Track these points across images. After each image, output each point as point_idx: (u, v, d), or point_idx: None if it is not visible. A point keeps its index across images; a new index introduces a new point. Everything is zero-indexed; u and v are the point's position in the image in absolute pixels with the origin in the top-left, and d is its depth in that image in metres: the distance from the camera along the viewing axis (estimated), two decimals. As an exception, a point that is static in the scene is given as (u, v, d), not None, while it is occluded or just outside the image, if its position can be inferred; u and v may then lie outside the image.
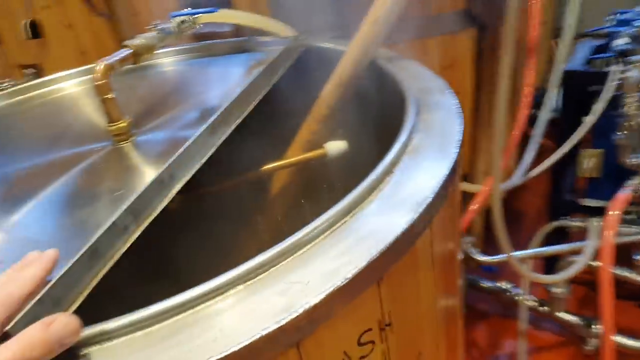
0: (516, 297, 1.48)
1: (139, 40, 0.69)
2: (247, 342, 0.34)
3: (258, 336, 0.35)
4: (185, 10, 0.76)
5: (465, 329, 1.60)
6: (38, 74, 1.74)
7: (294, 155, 0.78)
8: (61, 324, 0.35)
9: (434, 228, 0.49)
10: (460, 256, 0.68)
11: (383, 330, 0.44)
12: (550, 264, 1.54)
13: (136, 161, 0.63)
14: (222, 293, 0.38)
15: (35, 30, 1.66)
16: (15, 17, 1.67)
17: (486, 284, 1.58)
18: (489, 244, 1.52)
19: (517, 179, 1.42)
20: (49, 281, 0.39)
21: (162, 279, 0.63)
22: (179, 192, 0.61)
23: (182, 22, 0.76)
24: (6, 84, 1.68)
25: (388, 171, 0.50)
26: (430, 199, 0.45)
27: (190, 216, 0.72)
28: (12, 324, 0.35)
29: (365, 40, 0.71)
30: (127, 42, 0.69)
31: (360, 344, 0.43)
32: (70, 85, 0.90)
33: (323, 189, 0.84)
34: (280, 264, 0.41)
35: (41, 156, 0.66)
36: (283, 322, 0.35)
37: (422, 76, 0.70)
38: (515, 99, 1.41)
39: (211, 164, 0.60)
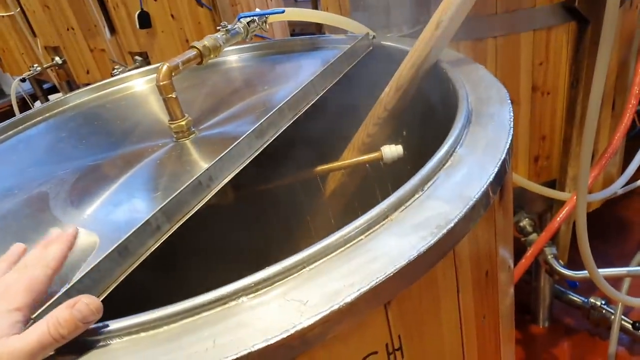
0: (608, 316, 1.36)
1: (205, 42, 0.72)
2: (234, 357, 0.35)
3: (247, 352, 0.36)
4: (254, 11, 0.78)
5: (547, 343, 1.50)
6: (146, 61, 1.89)
7: (350, 157, 0.77)
8: (84, 304, 0.39)
9: (460, 251, 0.46)
10: (509, 272, 0.63)
11: (392, 354, 0.43)
12: (654, 284, 1.39)
13: (194, 158, 0.66)
14: (224, 304, 0.40)
15: (145, 21, 1.79)
16: (129, 9, 1.82)
17: (575, 297, 1.46)
18: (578, 255, 1.40)
19: (618, 186, 1.29)
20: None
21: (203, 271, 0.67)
22: (233, 188, 0.64)
23: (250, 22, 0.78)
24: (117, 69, 1.85)
25: (418, 188, 0.48)
26: (453, 223, 0.43)
27: (242, 212, 0.75)
28: (40, 310, 0.40)
29: (427, 44, 0.68)
30: (194, 44, 0.72)
31: (363, 366, 0.42)
32: (144, 82, 0.97)
33: (375, 191, 0.82)
34: (287, 279, 0.41)
35: (113, 149, 0.72)
36: (272, 341, 0.36)
37: (486, 84, 0.65)
38: (619, 99, 1.27)
39: (266, 162, 0.61)
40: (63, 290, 0.41)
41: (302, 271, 0.42)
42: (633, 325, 1.32)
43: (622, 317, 1.32)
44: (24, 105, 2.40)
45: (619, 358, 1.34)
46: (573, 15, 1.07)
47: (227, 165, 0.57)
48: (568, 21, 1.08)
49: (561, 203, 1.21)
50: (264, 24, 0.80)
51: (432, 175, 0.49)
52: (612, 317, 1.33)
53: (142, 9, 1.77)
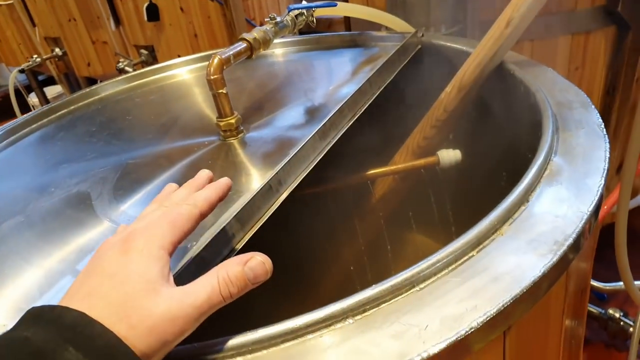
0: (627, 328, 1.34)
1: (256, 34, 0.67)
2: (357, 391, 0.31)
3: (369, 385, 0.31)
4: (303, 3, 0.73)
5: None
6: (152, 55, 1.83)
7: (404, 161, 0.73)
8: (259, 262, 0.35)
9: (572, 270, 0.42)
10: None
11: (503, 384, 0.39)
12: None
13: (243, 159, 0.61)
14: (328, 325, 0.35)
15: (154, 13, 1.74)
16: (137, 1, 1.76)
17: (593, 308, 1.44)
18: (599, 265, 1.38)
19: (644, 197, 1.27)
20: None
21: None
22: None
23: (298, 15, 0.73)
24: (122, 62, 1.78)
25: (523, 199, 0.43)
26: (572, 240, 0.39)
27: (290, 216, 0.70)
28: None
29: (495, 42, 0.64)
30: (244, 35, 0.67)
31: (476, 397, 0.38)
32: (183, 72, 0.91)
33: (429, 198, 0.78)
34: (395, 300, 0.36)
35: (152, 146, 0.67)
36: (397, 372, 0.31)
37: (560, 87, 0.62)
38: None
39: (316, 166, 0.57)
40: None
41: (411, 290, 0.37)
42: (654, 338, 1.30)
43: (643, 329, 1.30)
44: (17, 97, 2.32)
45: (638, 370, 1.31)
46: (614, 20, 1.05)
47: (295, 169, 0.53)
48: (608, 25, 1.05)
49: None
50: (312, 17, 0.75)
51: (534, 185, 0.45)
52: (631, 329, 1.31)
53: (150, 1, 1.71)
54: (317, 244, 0.74)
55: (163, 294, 0.32)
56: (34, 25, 2.15)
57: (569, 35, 1.06)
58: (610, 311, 1.37)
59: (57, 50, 2.12)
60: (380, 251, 0.80)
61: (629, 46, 1.05)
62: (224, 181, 0.43)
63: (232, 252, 0.44)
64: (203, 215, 0.38)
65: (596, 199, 0.43)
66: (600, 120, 0.54)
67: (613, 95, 1.11)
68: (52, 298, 0.44)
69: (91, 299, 0.31)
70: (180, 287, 0.33)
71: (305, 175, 0.54)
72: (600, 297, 1.34)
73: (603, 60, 1.09)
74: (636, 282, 1.19)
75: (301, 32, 0.88)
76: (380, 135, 0.76)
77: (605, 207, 1.17)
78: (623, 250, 0.95)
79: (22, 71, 2.12)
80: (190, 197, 0.40)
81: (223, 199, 0.41)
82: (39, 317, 0.30)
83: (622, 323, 1.36)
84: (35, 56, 2.09)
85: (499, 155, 0.68)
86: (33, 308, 0.30)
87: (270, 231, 0.70)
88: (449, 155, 0.70)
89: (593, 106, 0.56)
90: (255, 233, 0.47)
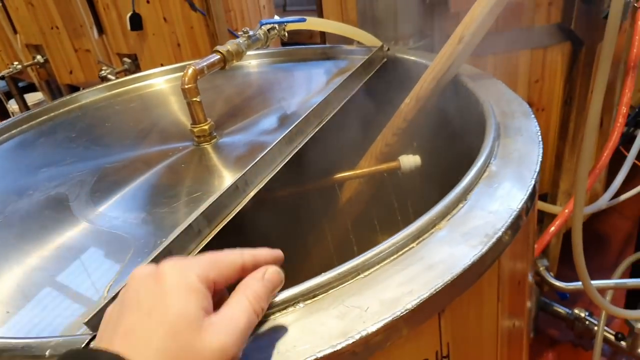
0: (591, 327, 1.39)
1: (229, 46, 0.72)
2: (300, 363, 0.35)
3: (313, 358, 0.35)
4: (275, 18, 0.78)
5: (532, 355, 1.53)
6: (135, 64, 1.86)
7: (368, 166, 0.78)
8: (272, 273, 0.36)
9: (504, 260, 0.47)
10: (531, 281, 0.65)
11: (440, 362, 0.44)
12: (634, 296, 1.43)
13: (215, 163, 0.66)
14: (283, 309, 0.40)
15: (137, 22, 1.77)
16: (120, 10, 1.79)
17: (560, 309, 1.50)
18: (565, 267, 1.44)
19: (604, 201, 1.33)
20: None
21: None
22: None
23: (270, 29, 0.78)
24: (105, 70, 1.81)
25: (461, 198, 0.49)
26: (501, 232, 0.44)
27: (260, 218, 0.74)
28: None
29: (448, 59, 0.69)
30: (218, 48, 0.72)
31: (415, 373, 0.42)
32: (161, 82, 0.96)
33: (392, 201, 0.83)
34: (342, 286, 0.41)
35: (129, 151, 0.71)
36: (339, 347, 0.36)
37: (507, 98, 0.67)
38: (606, 117, 1.32)
39: (285, 169, 0.61)
40: (111, 295, 0.40)
41: (356, 278, 0.42)
42: (615, 336, 1.36)
43: (605, 328, 1.36)
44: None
45: (601, 368, 1.37)
46: (568, 36, 1.11)
47: (261, 171, 0.57)
48: (564, 41, 1.12)
49: (552, 217, 1.25)
50: (283, 31, 0.80)
51: (472, 185, 0.50)
52: (596, 328, 1.37)
53: (134, 10, 1.75)
54: (287, 244, 0.78)
55: (206, 328, 0.30)
56: (15, 32, 2.17)
57: (528, 50, 1.13)
58: (577, 311, 1.43)
59: (38, 57, 2.14)
60: (348, 252, 0.84)
61: (583, 60, 1.12)
62: (277, 251, 0.39)
63: (198, 247, 0.48)
64: (245, 270, 0.36)
65: (525, 197, 0.48)
66: (538, 128, 0.59)
67: (570, 105, 1.17)
68: (29, 293, 0.47)
69: (131, 340, 0.29)
70: (219, 316, 0.32)
71: (277, 178, 0.59)
72: (562, 297, 1.40)
73: (560, 73, 1.16)
74: (601, 282, 1.26)
75: (283, 43, 0.92)
76: (347, 142, 0.81)
77: (567, 210, 1.24)
78: (579, 251, 1.01)
79: (2, 78, 2.14)
80: (239, 249, 0.37)
81: (275, 263, 0.38)
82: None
83: (587, 322, 1.42)
84: (16, 63, 2.11)
85: (454, 160, 0.73)
86: (71, 351, 0.30)
87: (242, 233, 0.74)
88: (409, 161, 0.75)
89: (533, 116, 0.62)
90: (226, 235, 0.51)
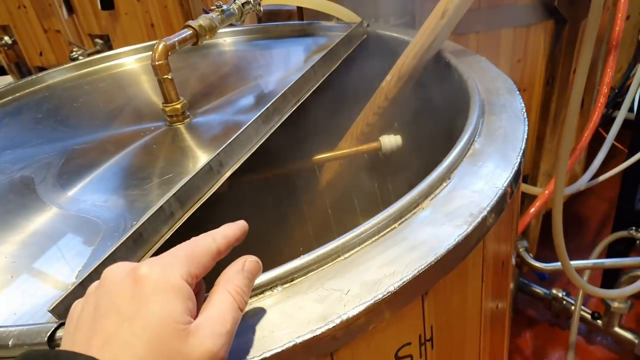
0: (569, 307, 1.41)
1: (201, 21, 0.68)
2: (279, 350, 0.33)
3: (292, 344, 0.34)
4: (249, -9, 0.75)
5: (511, 334, 1.55)
6: (108, 45, 1.80)
7: (348, 147, 0.75)
8: (251, 263, 0.34)
9: (488, 240, 0.46)
10: (513, 262, 0.64)
11: (423, 345, 0.42)
12: (610, 276, 1.45)
13: (188, 144, 0.63)
14: (259, 293, 0.38)
15: (108, 2, 1.70)
16: (90, -12, 1.72)
17: (538, 289, 1.51)
18: (544, 249, 1.45)
19: (582, 183, 1.34)
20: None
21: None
22: (229, 176, 0.60)
23: (245, 4, 0.75)
24: (76, 52, 1.75)
25: (445, 177, 0.47)
26: (486, 212, 0.43)
27: (238, 201, 0.72)
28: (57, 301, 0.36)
29: (430, 34, 0.67)
30: (189, 23, 0.68)
31: (397, 357, 0.41)
32: (133, 61, 0.92)
33: (373, 182, 0.81)
34: (321, 268, 0.39)
35: (99, 132, 0.67)
36: (318, 332, 0.34)
37: (491, 75, 0.66)
38: (587, 97, 1.32)
39: (263, 151, 0.59)
40: (78, 281, 0.38)
41: (336, 260, 0.40)
42: (592, 315, 1.38)
43: (582, 307, 1.38)
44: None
45: (578, 347, 1.40)
46: (551, 14, 1.10)
47: (237, 151, 0.55)
48: (546, 19, 1.11)
49: (532, 198, 1.25)
50: (258, 6, 0.77)
51: (456, 164, 0.49)
52: (573, 307, 1.39)
53: (106, -11, 1.68)
54: (265, 228, 0.76)
55: (193, 332, 0.29)
56: (-19, 12, 2.08)
57: (511, 29, 1.11)
58: (554, 291, 1.45)
59: (6, 38, 2.06)
60: (328, 235, 0.83)
61: (566, 39, 1.11)
62: (241, 222, 0.38)
63: (170, 230, 0.45)
64: (220, 253, 0.34)
65: (511, 175, 0.47)
66: (523, 105, 0.58)
67: (552, 86, 1.17)
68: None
69: (112, 348, 0.27)
70: (204, 317, 0.30)
71: (253, 160, 0.56)
72: (541, 277, 1.41)
73: (543, 52, 1.15)
74: (579, 262, 1.27)
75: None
76: (326, 122, 0.79)
77: (547, 192, 1.24)
78: (559, 231, 1.01)
79: (-31, 60, 2.05)
80: (209, 233, 0.35)
81: (240, 240, 0.36)
82: None
83: (564, 302, 1.43)
84: (-17, 45, 2.03)
85: (438, 139, 0.71)
86: (26, 354, 0.27)
87: (217, 217, 0.72)
88: (390, 141, 0.73)
89: (518, 92, 0.61)
90: (203, 218, 0.49)
